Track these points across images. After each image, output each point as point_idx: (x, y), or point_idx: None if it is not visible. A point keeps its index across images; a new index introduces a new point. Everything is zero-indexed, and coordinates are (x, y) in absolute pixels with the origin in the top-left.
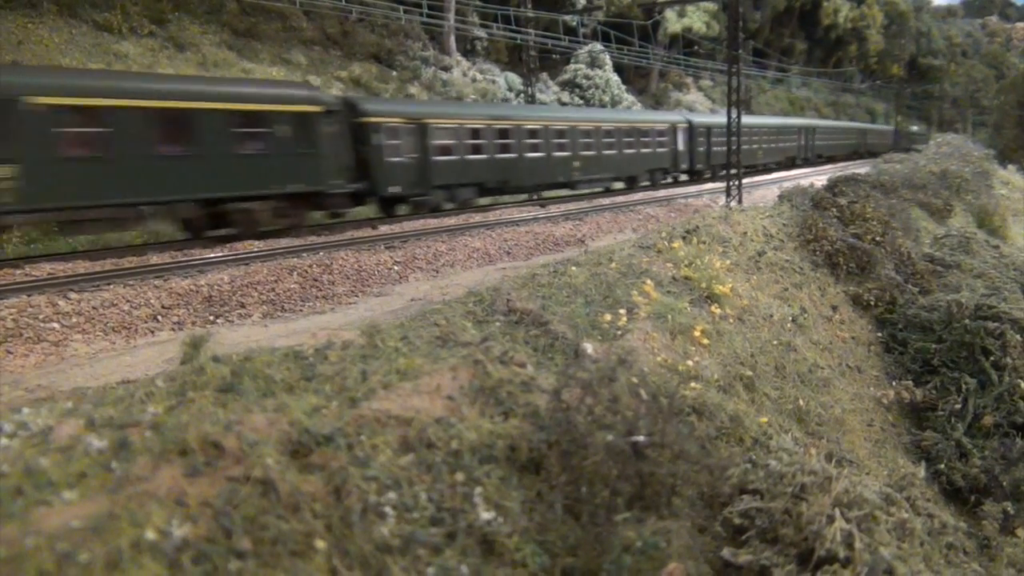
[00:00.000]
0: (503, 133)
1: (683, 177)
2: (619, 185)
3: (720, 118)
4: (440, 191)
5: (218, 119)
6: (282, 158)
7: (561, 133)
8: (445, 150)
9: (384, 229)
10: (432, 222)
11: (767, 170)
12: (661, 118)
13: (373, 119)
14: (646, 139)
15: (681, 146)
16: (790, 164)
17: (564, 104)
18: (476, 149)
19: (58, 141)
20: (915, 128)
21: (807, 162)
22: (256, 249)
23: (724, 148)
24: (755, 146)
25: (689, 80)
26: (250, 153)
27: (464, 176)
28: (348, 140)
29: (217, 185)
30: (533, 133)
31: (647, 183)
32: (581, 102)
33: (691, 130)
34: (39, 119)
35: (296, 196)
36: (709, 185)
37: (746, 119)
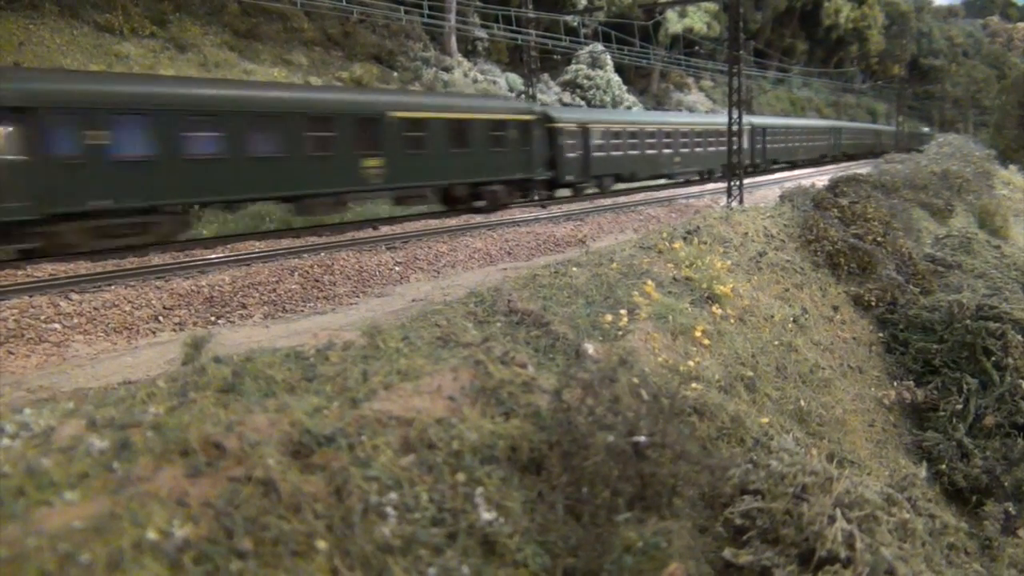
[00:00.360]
0: (633, 135)
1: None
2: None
3: (772, 119)
4: (594, 180)
5: (482, 126)
6: (513, 154)
7: (667, 134)
8: (599, 148)
9: (385, 230)
10: (433, 222)
11: (799, 165)
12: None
13: (559, 124)
14: (722, 139)
15: (746, 144)
16: (820, 161)
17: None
18: (616, 147)
19: (404, 142)
20: (926, 129)
21: (835, 159)
22: (257, 250)
23: (776, 145)
24: (795, 144)
25: (690, 80)
26: (497, 150)
27: (609, 168)
28: (546, 140)
29: (481, 173)
30: (651, 134)
31: (719, 175)
32: (582, 103)
33: (752, 130)
34: (395, 127)
35: (519, 181)
36: (710, 185)
37: (786, 120)
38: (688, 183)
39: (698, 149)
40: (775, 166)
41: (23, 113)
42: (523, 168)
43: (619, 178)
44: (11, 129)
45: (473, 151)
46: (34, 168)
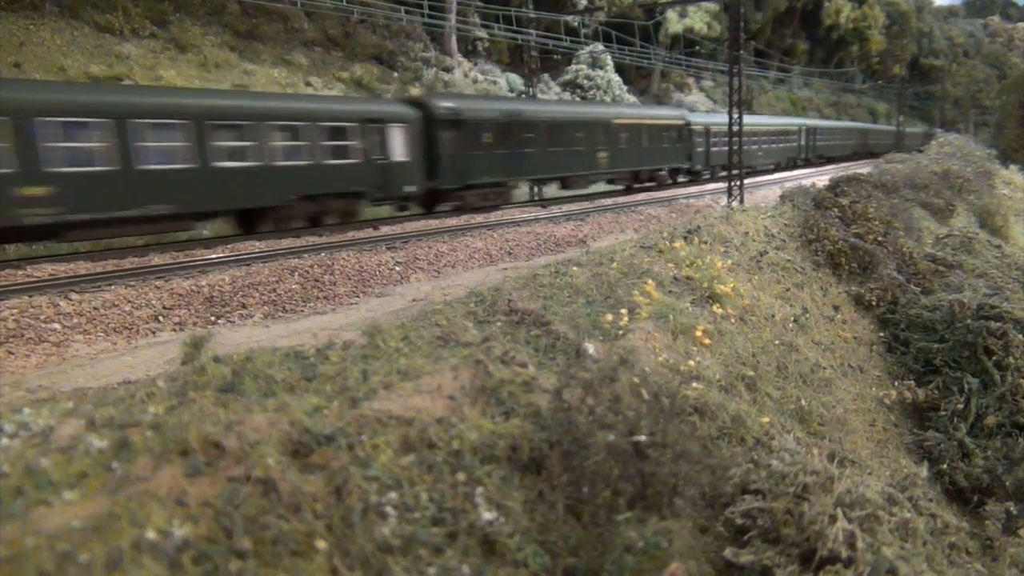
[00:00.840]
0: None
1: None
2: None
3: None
4: (711, 169)
5: (649, 129)
6: (669, 149)
7: (755, 134)
8: (715, 144)
9: (385, 230)
10: (433, 223)
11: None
12: (791, 122)
13: (692, 126)
14: (786, 137)
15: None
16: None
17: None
18: (723, 144)
19: (618, 140)
20: (939, 130)
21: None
22: (257, 250)
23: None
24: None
25: (691, 80)
26: (659, 146)
27: (719, 160)
28: (688, 138)
29: (646, 162)
30: (755, 133)
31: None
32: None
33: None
34: (615, 130)
35: (673, 169)
36: (711, 185)
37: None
38: (678, 184)
39: (775, 146)
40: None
41: (458, 124)
42: (677, 159)
43: (723, 168)
44: (451, 134)
45: (652, 146)
46: (458, 157)
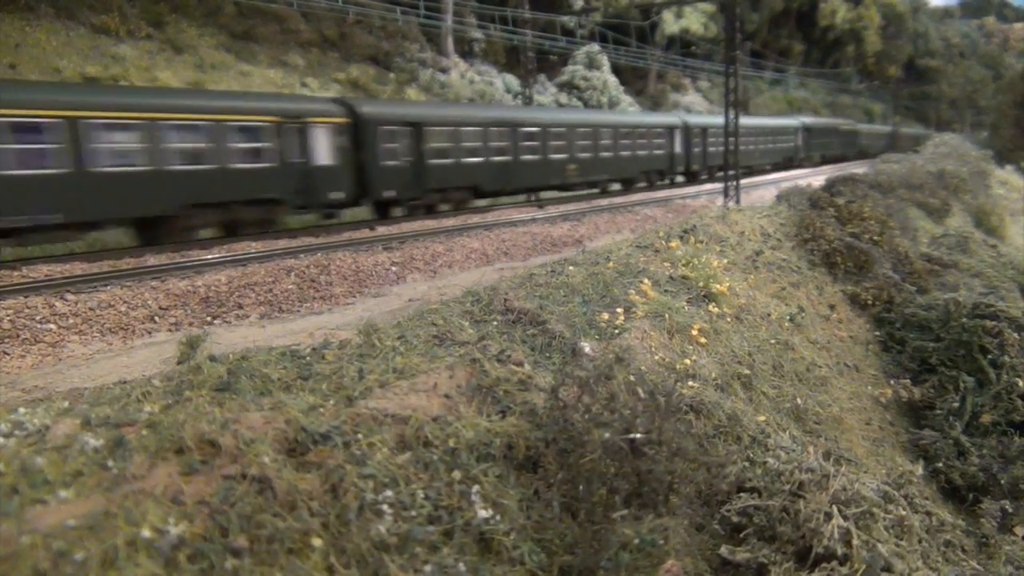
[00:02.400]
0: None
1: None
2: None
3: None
4: (708, 169)
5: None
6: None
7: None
8: (711, 145)
9: (382, 230)
10: (430, 223)
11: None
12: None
13: (691, 127)
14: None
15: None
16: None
17: (563, 105)
18: (716, 145)
19: (696, 141)
20: (928, 131)
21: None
22: (254, 250)
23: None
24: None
25: (687, 81)
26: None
27: (714, 160)
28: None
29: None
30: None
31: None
32: (579, 103)
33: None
34: (691, 132)
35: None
36: (707, 186)
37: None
38: (676, 184)
39: (767, 147)
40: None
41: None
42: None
43: (718, 169)
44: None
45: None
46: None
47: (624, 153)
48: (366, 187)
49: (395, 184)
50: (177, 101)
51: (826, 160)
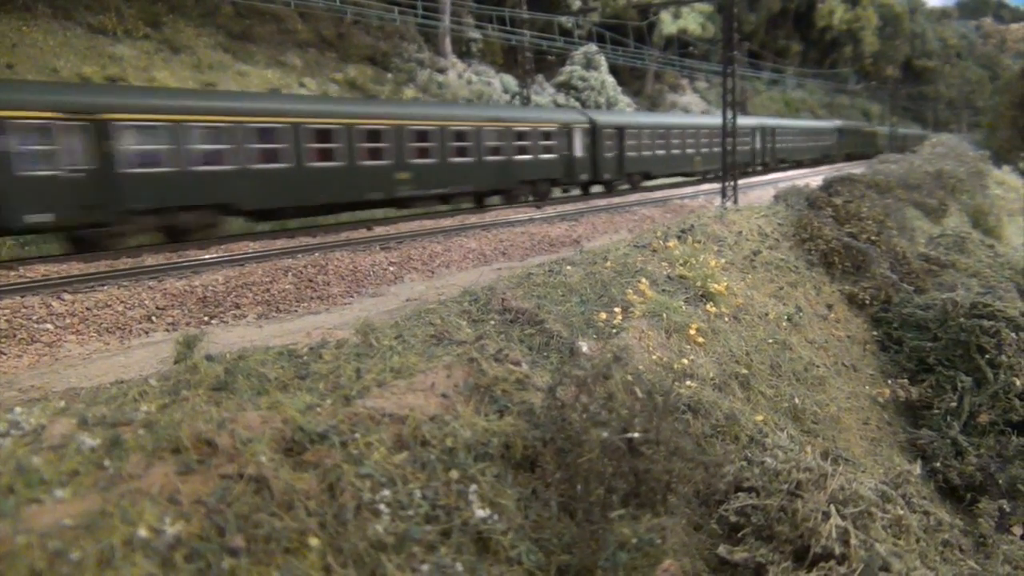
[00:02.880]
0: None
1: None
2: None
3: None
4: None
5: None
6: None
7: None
8: (785, 142)
9: (379, 230)
10: (428, 223)
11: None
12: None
13: (600, 127)
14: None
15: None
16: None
17: (560, 105)
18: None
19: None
20: (952, 131)
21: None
22: (251, 250)
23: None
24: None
25: (684, 82)
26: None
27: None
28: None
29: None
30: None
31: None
32: (577, 103)
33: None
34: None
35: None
36: (705, 186)
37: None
38: (675, 185)
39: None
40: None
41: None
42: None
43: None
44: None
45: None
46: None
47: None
48: (597, 171)
49: (610, 169)
50: (520, 114)
51: (851, 157)
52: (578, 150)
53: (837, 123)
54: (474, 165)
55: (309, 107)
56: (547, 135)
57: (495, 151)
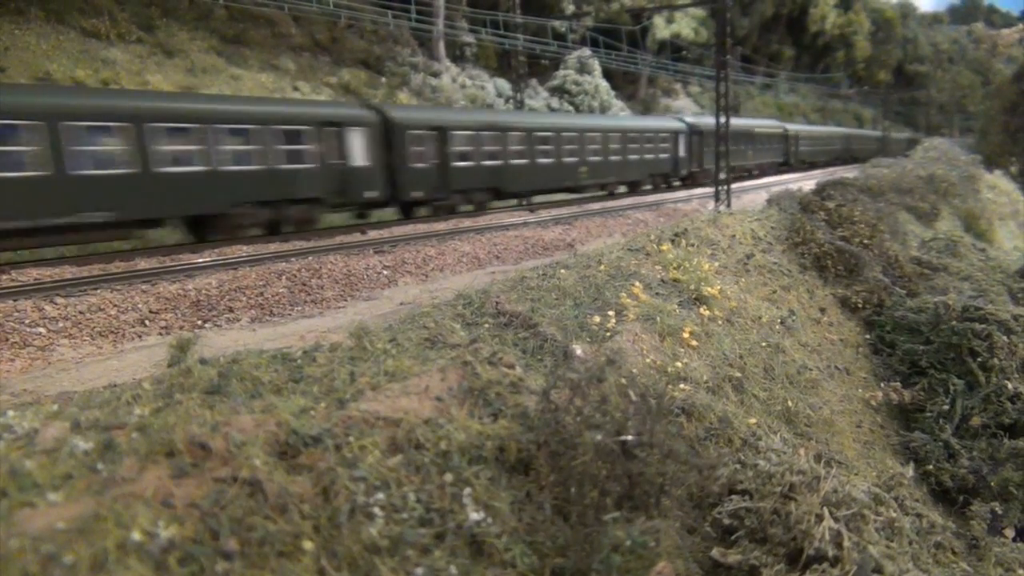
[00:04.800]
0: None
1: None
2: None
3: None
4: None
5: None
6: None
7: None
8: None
9: (373, 234)
10: (422, 227)
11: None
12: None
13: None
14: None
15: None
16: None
17: (554, 110)
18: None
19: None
20: (944, 136)
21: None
22: (244, 254)
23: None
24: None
25: (678, 86)
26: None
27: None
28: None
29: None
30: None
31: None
32: (570, 108)
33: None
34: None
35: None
36: (698, 190)
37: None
38: (671, 188)
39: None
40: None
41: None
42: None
43: (812, 165)
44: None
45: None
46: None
47: (633, 157)
48: (694, 166)
49: (693, 165)
50: (622, 123)
51: (858, 159)
52: (681, 151)
53: (846, 130)
54: (621, 162)
55: (539, 121)
56: (663, 139)
57: (634, 151)
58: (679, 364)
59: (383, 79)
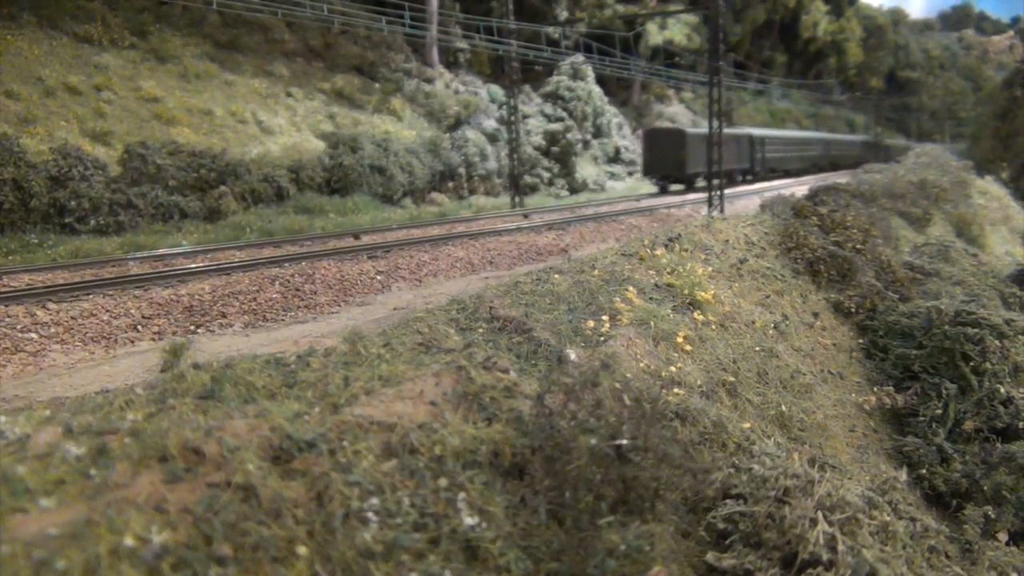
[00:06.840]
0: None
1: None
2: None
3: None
4: (772, 173)
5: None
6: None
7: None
8: (776, 151)
9: (366, 239)
10: (416, 232)
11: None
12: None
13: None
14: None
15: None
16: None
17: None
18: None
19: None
20: (936, 141)
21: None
22: (238, 259)
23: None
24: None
25: (671, 92)
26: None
27: (792, 163)
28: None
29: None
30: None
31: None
32: (564, 114)
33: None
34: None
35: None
36: (692, 196)
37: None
38: (668, 193)
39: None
40: None
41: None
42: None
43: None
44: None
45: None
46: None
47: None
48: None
49: (772, 163)
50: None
51: (839, 167)
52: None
53: (861, 137)
54: (823, 154)
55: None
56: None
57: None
58: (673, 368)
59: (377, 85)
